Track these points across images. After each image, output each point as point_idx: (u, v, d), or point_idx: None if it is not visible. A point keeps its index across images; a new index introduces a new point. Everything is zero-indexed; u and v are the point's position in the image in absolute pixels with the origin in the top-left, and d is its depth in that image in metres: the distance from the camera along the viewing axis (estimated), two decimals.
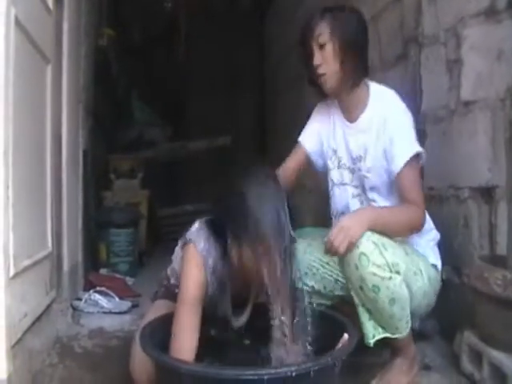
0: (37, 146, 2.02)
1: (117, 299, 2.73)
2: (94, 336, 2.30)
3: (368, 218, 1.63)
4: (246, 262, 1.41)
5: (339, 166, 1.92)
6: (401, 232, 1.72)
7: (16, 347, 1.61)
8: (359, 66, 1.80)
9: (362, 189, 1.86)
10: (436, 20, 2.20)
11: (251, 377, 1.17)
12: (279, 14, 5.59)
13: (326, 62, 1.78)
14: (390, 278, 1.59)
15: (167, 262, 1.81)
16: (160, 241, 4.57)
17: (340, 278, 1.75)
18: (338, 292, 1.81)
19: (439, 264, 1.81)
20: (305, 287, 1.79)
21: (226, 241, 1.44)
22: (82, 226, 2.96)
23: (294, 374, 1.18)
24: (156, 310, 1.70)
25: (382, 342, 1.66)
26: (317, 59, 1.79)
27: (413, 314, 1.70)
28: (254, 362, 1.48)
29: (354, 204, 1.88)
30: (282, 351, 1.40)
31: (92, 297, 2.68)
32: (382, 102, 1.82)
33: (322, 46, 1.78)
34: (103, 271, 3.37)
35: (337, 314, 1.60)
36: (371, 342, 1.64)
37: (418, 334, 1.82)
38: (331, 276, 1.80)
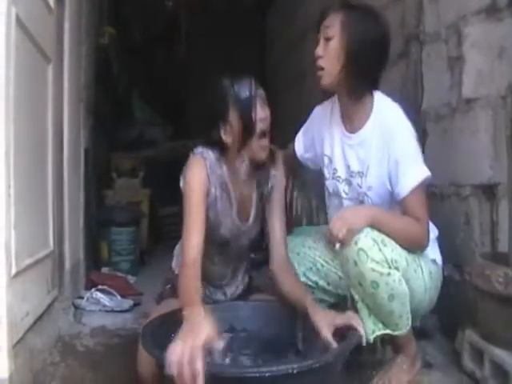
0: (38, 145, 2.03)
1: (118, 298, 2.74)
2: (96, 334, 2.30)
3: (367, 214, 1.61)
4: (238, 139, 1.59)
5: (333, 178, 1.84)
6: (399, 240, 1.62)
7: (17, 346, 1.61)
8: (366, 76, 1.68)
9: (359, 203, 1.78)
10: (437, 17, 2.20)
11: (253, 374, 1.18)
12: (280, 13, 5.59)
13: (328, 56, 1.68)
14: (389, 273, 1.56)
15: (169, 260, 1.82)
16: (161, 239, 4.57)
17: (344, 277, 1.72)
18: (341, 291, 1.81)
19: (438, 258, 1.78)
20: (308, 282, 1.80)
21: (221, 138, 1.61)
22: (84, 225, 2.97)
23: (295, 371, 1.18)
24: (163, 310, 1.66)
25: (383, 340, 1.66)
26: (319, 50, 1.69)
27: (416, 311, 1.69)
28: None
29: None
30: None
31: (94, 295, 2.68)
32: (385, 117, 1.71)
33: (327, 39, 1.68)
34: (105, 270, 3.38)
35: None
36: (371, 337, 1.62)
37: (419, 332, 1.82)
38: (336, 274, 1.80)
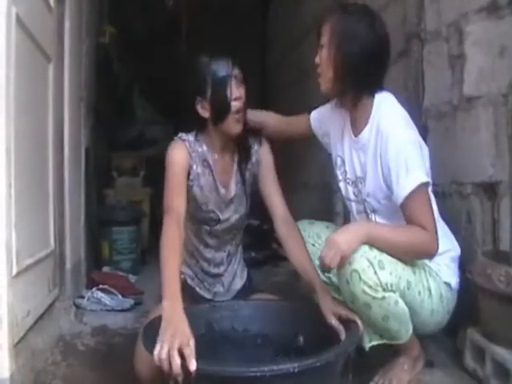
0: (39, 144, 2.03)
1: (120, 297, 2.73)
2: (97, 334, 2.30)
3: (361, 233, 1.53)
4: (214, 115, 1.71)
5: (345, 180, 1.83)
6: (402, 253, 1.56)
7: (19, 346, 1.61)
8: (359, 83, 1.65)
9: (364, 208, 1.78)
10: (438, 16, 2.19)
11: (254, 373, 1.17)
12: (282, 12, 5.58)
13: (322, 64, 1.68)
14: (383, 297, 1.51)
15: None
16: None
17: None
18: None
19: (454, 282, 1.70)
20: (322, 277, 1.80)
21: (198, 113, 1.73)
22: (85, 224, 2.96)
23: (296, 370, 1.18)
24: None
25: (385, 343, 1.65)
26: (317, 57, 1.70)
27: (420, 330, 1.68)
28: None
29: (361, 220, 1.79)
30: None
31: (95, 295, 2.68)
32: (381, 121, 1.66)
33: (321, 47, 1.68)
34: (106, 269, 3.38)
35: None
36: (367, 346, 1.61)
37: None
38: None
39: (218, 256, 1.89)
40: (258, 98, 6.58)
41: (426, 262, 1.67)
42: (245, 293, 1.93)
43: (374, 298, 1.50)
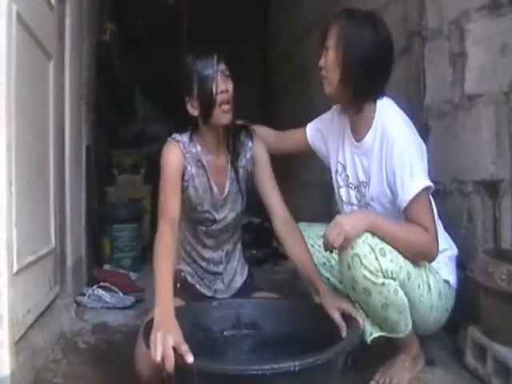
0: (39, 141, 2.02)
1: (120, 294, 2.74)
2: (98, 331, 2.30)
3: (365, 220, 1.55)
4: (202, 111, 1.73)
5: (347, 185, 1.83)
6: (401, 249, 1.57)
7: (19, 343, 1.62)
8: (363, 87, 1.65)
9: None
10: (439, 13, 2.19)
11: (255, 372, 1.17)
12: (283, 9, 5.57)
13: (327, 67, 1.68)
14: (383, 283, 1.52)
15: None
16: None
17: (340, 277, 1.70)
18: None
19: (453, 280, 1.72)
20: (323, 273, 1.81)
21: (188, 112, 1.75)
22: (86, 222, 2.97)
23: (297, 368, 1.18)
24: None
25: (385, 339, 1.65)
26: (321, 60, 1.69)
27: (420, 328, 1.68)
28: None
29: None
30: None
31: (96, 292, 2.69)
32: (385, 126, 1.67)
33: (327, 49, 1.67)
34: (107, 266, 3.38)
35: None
36: (368, 339, 1.61)
37: None
38: None
39: (217, 255, 1.89)
40: (259, 96, 6.58)
41: None
42: (245, 290, 1.93)
43: (374, 283, 1.52)
